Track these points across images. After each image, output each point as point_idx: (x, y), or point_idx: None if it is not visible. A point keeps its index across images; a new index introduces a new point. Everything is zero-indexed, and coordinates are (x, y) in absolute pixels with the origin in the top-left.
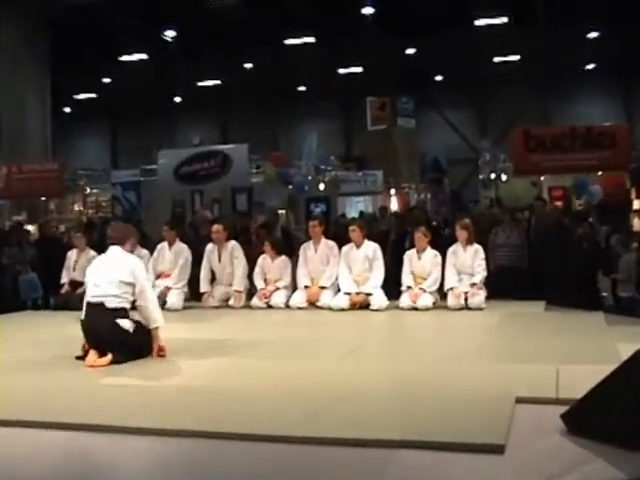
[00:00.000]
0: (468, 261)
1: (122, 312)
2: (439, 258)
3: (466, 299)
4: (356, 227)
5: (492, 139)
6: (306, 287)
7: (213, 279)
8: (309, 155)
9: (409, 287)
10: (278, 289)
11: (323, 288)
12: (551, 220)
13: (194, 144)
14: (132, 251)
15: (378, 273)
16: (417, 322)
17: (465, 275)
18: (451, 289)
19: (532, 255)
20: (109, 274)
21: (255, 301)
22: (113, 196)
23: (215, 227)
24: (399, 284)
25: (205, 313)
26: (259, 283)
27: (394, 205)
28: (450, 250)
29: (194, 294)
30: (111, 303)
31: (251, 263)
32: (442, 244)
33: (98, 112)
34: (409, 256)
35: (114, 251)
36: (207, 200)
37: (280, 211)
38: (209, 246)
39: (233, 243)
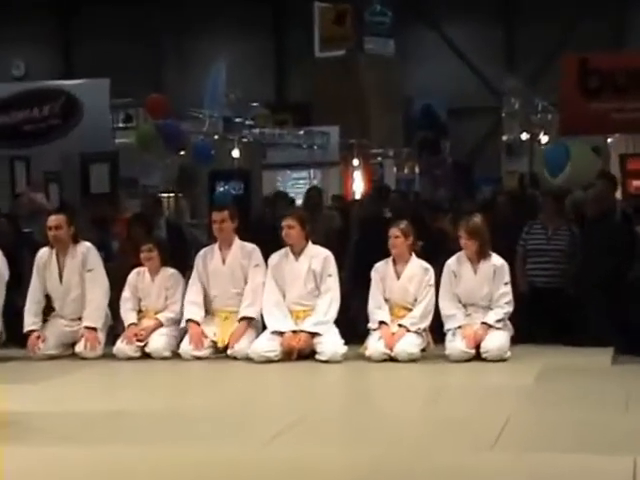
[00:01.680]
0: (480, 287)
1: None
2: (431, 274)
3: (478, 347)
4: (293, 222)
5: (524, 76)
6: (192, 322)
7: (49, 308)
8: (213, 100)
9: (382, 323)
10: (161, 325)
11: (245, 320)
12: (623, 213)
13: (14, 77)
14: None
15: (330, 299)
16: (394, 383)
17: (475, 308)
18: (457, 329)
19: (588, 271)
20: None
21: (121, 346)
22: None
23: (54, 219)
24: (365, 318)
25: (29, 369)
26: (128, 315)
27: (358, 186)
28: (449, 266)
29: (12, 334)
30: None
31: (117, 282)
32: (436, 249)
33: None
34: (381, 271)
35: None
36: (37, 175)
37: (165, 195)
38: (42, 253)
39: (86, 247)
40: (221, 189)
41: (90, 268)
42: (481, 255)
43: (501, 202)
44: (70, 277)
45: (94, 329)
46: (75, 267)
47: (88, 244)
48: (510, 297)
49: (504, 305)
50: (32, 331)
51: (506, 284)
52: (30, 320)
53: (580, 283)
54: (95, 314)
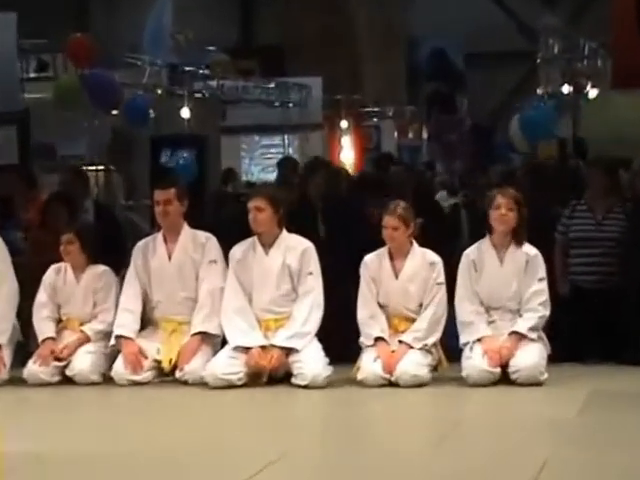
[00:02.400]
0: (508, 283)
1: None
2: (440, 269)
3: (505, 365)
4: (263, 203)
5: (566, 11)
6: (124, 338)
7: None
8: (156, 42)
9: (379, 339)
10: (88, 340)
11: (202, 334)
12: None
13: None
14: None
15: (311, 304)
16: (395, 415)
17: (501, 313)
18: (477, 342)
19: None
20: None
21: (34, 368)
22: None
23: None
24: (357, 331)
25: None
26: (44, 327)
27: (348, 155)
28: (468, 255)
29: None
30: None
31: (28, 283)
32: (450, 241)
33: None
34: (372, 268)
35: None
36: None
37: (93, 168)
38: None
39: None
40: (170, 159)
41: None
42: (514, 240)
43: (521, 176)
44: None
45: None
46: None
47: None
48: (546, 297)
49: (538, 307)
50: None
51: (541, 280)
52: None
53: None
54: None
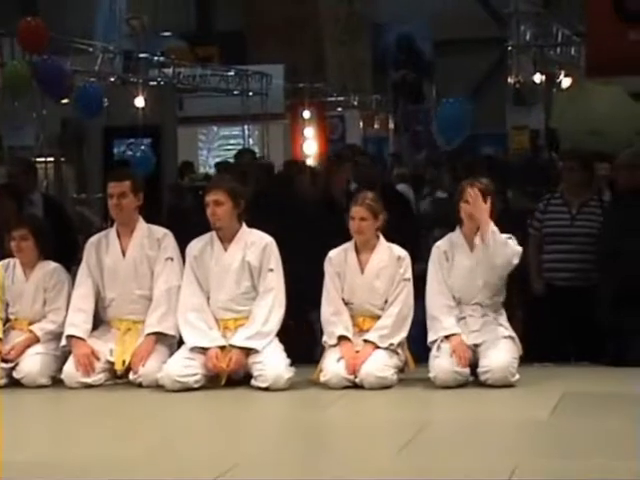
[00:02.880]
0: (479, 275)
1: None
2: (407, 264)
3: (473, 365)
4: (222, 195)
5: None
6: (75, 338)
7: None
8: (109, 28)
9: (342, 337)
10: (37, 341)
11: (158, 335)
12: None
13: None
14: None
15: (272, 303)
16: (358, 419)
17: (472, 308)
18: (444, 339)
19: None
20: None
21: None
22: None
23: None
24: (320, 330)
25: None
26: None
27: (311, 147)
28: (439, 247)
29: None
30: None
31: None
32: (416, 234)
33: None
34: (336, 263)
35: None
36: None
37: (42, 160)
38: None
39: None
40: (124, 151)
41: None
42: (485, 229)
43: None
44: None
45: None
46: None
47: None
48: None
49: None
50: None
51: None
52: None
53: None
54: None
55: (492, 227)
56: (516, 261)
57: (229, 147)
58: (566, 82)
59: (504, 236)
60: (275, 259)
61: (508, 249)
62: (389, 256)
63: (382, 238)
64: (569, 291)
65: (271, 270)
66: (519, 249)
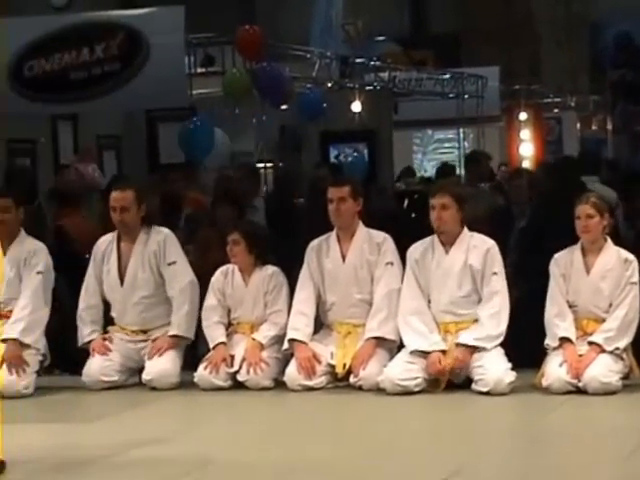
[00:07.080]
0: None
1: None
2: (635, 267)
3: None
4: (448, 199)
5: None
6: (297, 342)
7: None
8: (325, 34)
9: (565, 340)
10: (262, 349)
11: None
12: None
13: (54, 6)
14: None
15: (498, 307)
16: (584, 427)
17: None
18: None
19: None
20: None
21: (202, 374)
22: None
23: (117, 195)
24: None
25: (82, 401)
26: (215, 332)
27: (528, 149)
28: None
29: (57, 357)
30: None
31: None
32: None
33: None
34: (562, 264)
35: None
36: (88, 139)
37: (261, 164)
38: (102, 240)
39: (164, 234)
40: (339, 154)
41: (171, 261)
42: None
43: None
44: (136, 273)
45: (177, 336)
46: (146, 260)
47: (165, 230)
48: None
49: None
50: (90, 342)
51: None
52: (86, 330)
53: None
54: (184, 321)
55: None
56: None
57: (444, 150)
58: None
59: None
60: (498, 262)
61: None
62: (616, 259)
63: (609, 240)
64: None
65: (495, 273)
66: None
